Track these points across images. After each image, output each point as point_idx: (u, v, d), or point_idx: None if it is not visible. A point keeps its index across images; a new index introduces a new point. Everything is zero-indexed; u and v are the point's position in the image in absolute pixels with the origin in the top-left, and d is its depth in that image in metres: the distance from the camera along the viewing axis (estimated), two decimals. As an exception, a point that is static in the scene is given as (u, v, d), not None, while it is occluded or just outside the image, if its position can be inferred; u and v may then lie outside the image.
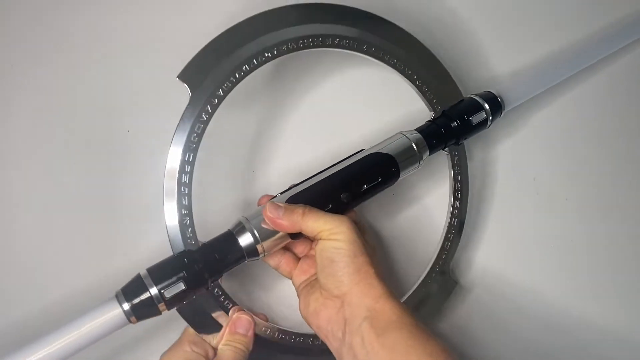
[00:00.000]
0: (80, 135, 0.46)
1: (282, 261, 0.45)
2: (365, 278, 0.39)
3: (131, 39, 0.47)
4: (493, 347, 0.54)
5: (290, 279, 0.45)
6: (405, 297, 0.50)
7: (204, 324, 0.43)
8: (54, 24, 0.46)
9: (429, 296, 0.51)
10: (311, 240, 0.45)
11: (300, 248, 0.46)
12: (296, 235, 0.43)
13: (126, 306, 0.39)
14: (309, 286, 0.43)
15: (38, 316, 0.43)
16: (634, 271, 0.60)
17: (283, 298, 0.49)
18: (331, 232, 0.40)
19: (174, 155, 0.41)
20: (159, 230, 0.42)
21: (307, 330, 0.45)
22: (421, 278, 0.51)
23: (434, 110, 0.52)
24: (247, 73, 0.44)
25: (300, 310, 0.43)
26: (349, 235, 0.40)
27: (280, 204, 0.42)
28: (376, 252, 0.45)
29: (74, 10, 0.46)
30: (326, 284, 0.41)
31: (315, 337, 0.46)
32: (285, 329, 0.46)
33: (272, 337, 0.45)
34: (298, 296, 0.44)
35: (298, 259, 0.46)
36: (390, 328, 0.38)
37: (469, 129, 0.52)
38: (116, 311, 0.39)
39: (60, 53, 0.46)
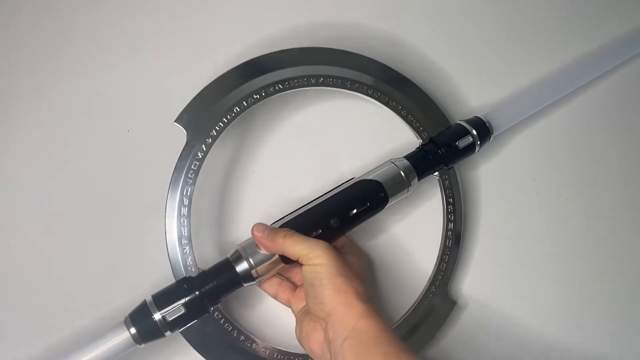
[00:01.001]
0: (88, 174, 0.51)
1: (279, 290, 0.48)
2: (345, 298, 0.41)
3: (132, 90, 0.54)
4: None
5: (290, 307, 0.48)
6: (399, 321, 0.51)
7: (206, 346, 0.46)
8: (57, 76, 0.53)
9: (426, 318, 0.52)
10: None
11: (298, 276, 0.49)
12: (288, 260, 0.46)
13: (133, 330, 0.43)
14: (304, 313, 0.45)
15: (58, 341, 0.47)
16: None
17: (282, 319, 0.51)
18: (308, 256, 0.43)
19: (173, 190, 0.46)
20: (162, 260, 0.46)
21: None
22: (417, 300, 0.52)
23: (421, 137, 0.55)
24: (237, 114, 0.48)
25: (296, 335, 0.45)
26: (325, 258, 0.42)
27: (267, 226, 0.45)
28: (364, 273, 0.46)
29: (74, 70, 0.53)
30: (312, 307, 0.43)
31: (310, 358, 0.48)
32: (283, 349, 0.48)
33: (271, 357, 0.48)
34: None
35: (295, 287, 0.48)
36: (368, 347, 0.39)
37: (457, 154, 0.54)
38: (124, 335, 0.43)
39: (64, 104, 0.52)
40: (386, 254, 0.55)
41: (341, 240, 0.49)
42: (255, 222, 0.45)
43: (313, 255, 0.43)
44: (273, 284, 0.48)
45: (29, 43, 0.53)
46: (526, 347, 0.56)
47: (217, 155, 0.52)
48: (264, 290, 0.48)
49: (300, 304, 0.47)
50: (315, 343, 0.43)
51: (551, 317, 0.57)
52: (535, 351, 0.56)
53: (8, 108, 0.51)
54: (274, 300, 0.48)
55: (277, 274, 0.48)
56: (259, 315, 0.51)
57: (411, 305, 0.52)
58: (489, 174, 0.59)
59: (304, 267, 0.43)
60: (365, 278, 0.45)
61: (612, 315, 0.58)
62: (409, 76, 0.56)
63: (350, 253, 0.48)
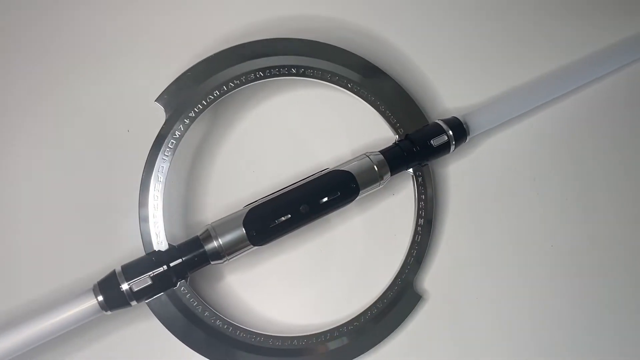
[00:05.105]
0: (71, 147, 0.53)
1: None
2: None
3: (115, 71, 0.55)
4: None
5: None
6: (364, 310, 0.53)
7: (170, 319, 0.48)
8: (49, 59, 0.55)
9: (390, 309, 0.53)
10: None
11: None
12: (256, 242, 0.48)
13: (100, 298, 0.45)
14: None
15: (27, 305, 0.49)
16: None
17: (246, 299, 0.53)
18: None
19: (149, 165, 0.48)
20: (134, 234, 0.48)
21: (271, 332, 0.50)
22: (382, 291, 0.54)
23: (397, 133, 0.56)
24: (217, 98, 0.50)
25: None
26: None
27: None
28: None
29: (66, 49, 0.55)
30: None
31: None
32: (245, 327, 0.49)
33: (233, 334, 0.49)
34: None
35: None
36: None
37: (431, 153, 0.55)
38: (92, 301, 0.45)
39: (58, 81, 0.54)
40: (354, 244, 0.56)
41: None
42: (227, 208, 0.47)
43: None
44: None
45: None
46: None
47: (192, 138, 0.54)
48: None
49: None
50: None
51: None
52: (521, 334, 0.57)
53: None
54: (239, 279, 0.50)
55: None
56: (224, 293, 0.52)
57: (376, 296, 0.54)
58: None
59: None
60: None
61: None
62: (388, 73, 0.57)
63: None
